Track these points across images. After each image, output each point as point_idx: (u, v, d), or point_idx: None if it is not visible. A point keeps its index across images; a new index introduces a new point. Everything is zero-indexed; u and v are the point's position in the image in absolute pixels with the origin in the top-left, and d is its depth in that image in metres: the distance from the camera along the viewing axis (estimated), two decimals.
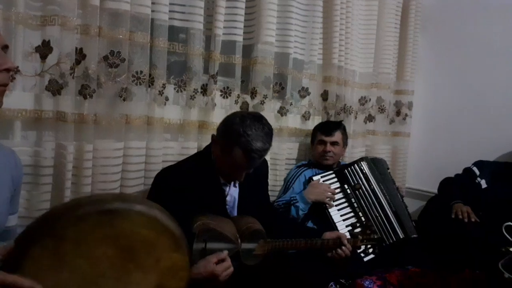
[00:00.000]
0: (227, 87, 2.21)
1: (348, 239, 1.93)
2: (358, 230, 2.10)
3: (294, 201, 2.25)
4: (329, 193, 2.31)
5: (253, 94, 2.28)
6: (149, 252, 0.95)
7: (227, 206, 1.78)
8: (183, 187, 1.58)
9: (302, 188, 2.39)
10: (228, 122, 1.63)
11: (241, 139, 1.55)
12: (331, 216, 2.31)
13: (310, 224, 2.34)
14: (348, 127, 2.83)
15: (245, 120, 1.59)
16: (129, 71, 1.81)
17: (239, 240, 1.61)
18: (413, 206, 3.28)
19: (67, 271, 0.86)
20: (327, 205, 2.31)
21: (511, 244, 2.07)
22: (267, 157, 2.41)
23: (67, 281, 0.86)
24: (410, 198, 3.37)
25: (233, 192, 1.80)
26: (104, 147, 1.76)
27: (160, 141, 1.96)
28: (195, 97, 2.04)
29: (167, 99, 1.98)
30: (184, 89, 2.03)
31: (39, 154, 1.63)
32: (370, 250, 2.00)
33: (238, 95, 2.24)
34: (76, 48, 1.68)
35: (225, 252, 1.49)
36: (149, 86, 1.89)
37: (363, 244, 1.98)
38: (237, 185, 1.79)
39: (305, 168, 2.51)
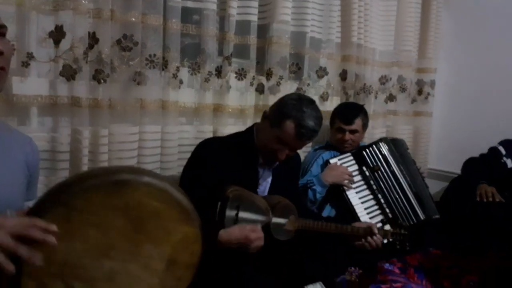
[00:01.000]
0: (242, 69, 2.18)
1: (378, 229, 1.88)
2: (388, 226, 2.08)
3: (311, 184, 2.23)
4: (347, 175, 2.28)
5: (269, 75, 2.25)
6: (159, 224, 0.94)
7: (258, 189, 1.79)
8: (220, 157, 1.64)
9: (319, 171, 2.36)
10: (285, 98, 1.71)
11: (296, 113, 1.61)
12: (349, 199, 2.28)
13: (328, 207, 2.33)
14: (368, 107, 2.77)
15: (302, 99, 1.67)
16: (143, 54, 1.80)
17: (270, 213, 1.64)
18: (436, 187, 3.22)
19: (78, 241, 0.86)
20: (345, 187, 2.29)
21: None
22: None
23: (79, 252, 0.86)
24: (432, 179, 3.31)
25: (266, 176, 1.82)
26: (120, 132, 1.78)
27: (176, 125, 1.96)
28: (209, 80, 2.03)
29: (181, 82, 1.97)
30: (198, 72, 2.02)
31: (56, 140, 1.65)
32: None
33: (254, 76, 2.21)
34: (89, 33, 1.67)
35: (259, 227, 1.55)
36: (163, 70, 1.89)
37: (393, 238, 1.93)
38: (271, 170, 1.80)
39: (323, 150, 2.47)
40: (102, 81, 1.69)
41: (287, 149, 1.66)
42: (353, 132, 2.38)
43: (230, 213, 1.54)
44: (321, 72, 2.55)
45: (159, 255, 0.96)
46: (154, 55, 1.82)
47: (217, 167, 1.61)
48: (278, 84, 2.25)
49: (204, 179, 1.58)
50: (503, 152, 2.68)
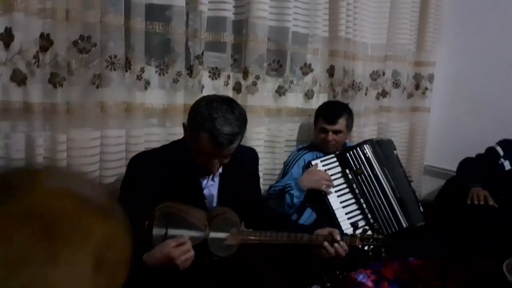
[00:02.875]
0: (216, 68, 2.06)
1: (344, 236, 1.74)
2: (360, 228, 1.95)
3: (288, 188, 2.12)
4: (325, 180, 2.16)
5: (245, 74, 2.12)
6: (74, 226, 0.82)
7: (205, 201, 1.62)
8: (155, 173, 1.48)
9: (300, 173, 2.25)
10: (194, 107, 1.49)
11: (206, 123, 1.41)
12: (329, 203, 2.17)
13: (308, 210, 2.22)
14: (359, 104, 2.63)
15: (212, 103, 1.44)
16: (102, 56, 1.69)
17: (207, 228, 1.49)
18: (432, 185, 3.10)
19: None
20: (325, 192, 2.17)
21: None
22: (265, 139, 2.29)
23: None
24: (429, 176, 3.19)
25: (211, 188, 1.65)
26: (79, 137, 1.68)
27: (142, 128, 1.86)
28: (178, 80, 1.91)
29: (148, 83, 1.87)
30: (167, 72, 1.90)
31: (10, 147, 1.58)
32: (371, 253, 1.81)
33: (229, 75, 2.09)
34: (43, 34, 1.57)
35: (186, 237, 1.38)
36: (127, 71, 1.78)
37: (363, 244, 1.77)
38: (216, 179, 1.65)
39: (306, 151, 2.35)
40: (58, 85, 1.60)
41: (214, 159, 1.50)
42: (336, 132, 2.26)
43: (158, 232, 1.39)
44: (306, 68, 2.41)
45: (83, 258, 0.87)
46: (115, 56, 1.71)
47: (152, 185, 1.45)
48: (254, 84, 2.12)
49: (137, 199, 1.42)
50: (501, 153, 2.52)
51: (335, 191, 2.20)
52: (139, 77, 1.81)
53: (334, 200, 2.19)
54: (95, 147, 1.73)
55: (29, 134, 1.59)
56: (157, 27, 1.85)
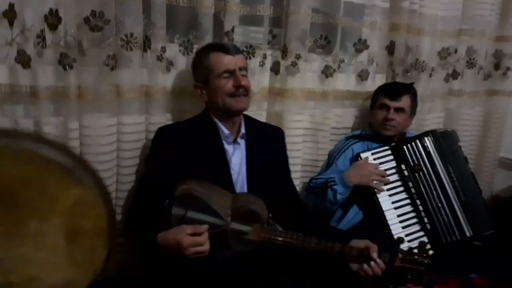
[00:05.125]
0: (250, 46, 1.72)
1: (381, 253, 1.40)
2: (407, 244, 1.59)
3: (331, 183, 1.78)
4: (377, 175, 1.78)
5: (284, 52, 1.77)
6: (38, 193, 0.73)
7: (231, 171, 1.48)
8: (181, 141, 1.42)
9: (347, 165, 1.89)
10: (193, 57, 1.57)
11: (209, 45, 1.51)
12: (379, 203, 1.79)
13: (354, 208, 1.86)
14: (423, 87, 2.17)
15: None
16: (117, 34, 1.44)
17: (229, 217, 1.31)
18: (508, 179, 2.59)
19: None
20: (375, 189, 1.80)
21: None
22: (306, 126, 1.95)
23: None
24: (504, 169, 2.66)
25: (237, 158, 1.50)
26: (93, 124, 1.46)
27: (164, 113, 1.61)
28: None
29: (171, 64, 1.60)
30: (192, 51, 1.61)
31: None
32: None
33: (264, 54, 1.75)
34: (51, 10, 1.35)
35: (205, 226, 1.24)
36: (145, 50, 1.51)
37: (404, 266, 1.41)
38: (241, 142, 1.52)
39: (356, 140, 1.97)
40: (68, 67, 1.38)
41: (235, 72, 1.44)
42: (398, 110, 1.86)
43: (177, 212, 1.26)
44: (360, 45, 1.99)
45: (52, 229, 0.76)
46: (131, 34, 1.45)
47: (179, 152, 1.40)
48: (294, 64, 1.76)
49: (163, 169, 1.38)
50: None
51: (387, 189, 1.82)
52: (160, 58, 1.54)
53: (385, 199, 1.81)
54: (111, 135, 1.51)
55: (37, 120, 1.40)
56: None
